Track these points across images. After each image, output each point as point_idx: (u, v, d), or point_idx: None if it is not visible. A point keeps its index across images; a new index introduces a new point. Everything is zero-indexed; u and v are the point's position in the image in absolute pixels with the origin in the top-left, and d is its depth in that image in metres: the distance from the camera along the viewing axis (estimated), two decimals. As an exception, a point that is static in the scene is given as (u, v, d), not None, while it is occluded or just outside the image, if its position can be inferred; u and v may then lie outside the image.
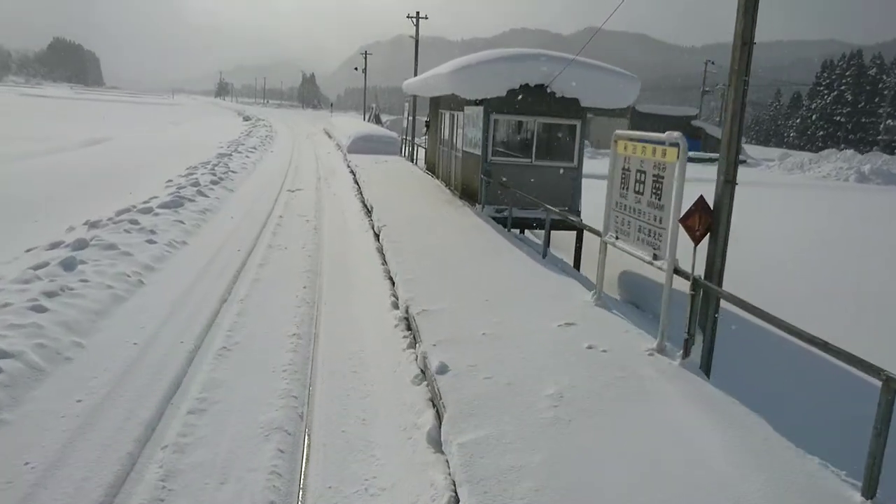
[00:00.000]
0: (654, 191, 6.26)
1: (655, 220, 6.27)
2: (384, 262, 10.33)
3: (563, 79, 12.94)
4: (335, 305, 8.67)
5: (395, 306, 8.08)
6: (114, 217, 12.04)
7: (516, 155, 14.22)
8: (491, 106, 13.72)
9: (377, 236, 12.12)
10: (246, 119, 68.40)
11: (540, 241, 13.71)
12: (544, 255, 10.09)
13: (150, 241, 10.83)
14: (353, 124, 47.88)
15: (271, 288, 9.24)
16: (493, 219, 13.50)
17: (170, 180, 18.25)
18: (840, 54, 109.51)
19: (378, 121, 64.37)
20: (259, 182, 20.99)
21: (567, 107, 13.74)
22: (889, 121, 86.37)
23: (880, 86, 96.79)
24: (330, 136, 48.08)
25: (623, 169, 6.94)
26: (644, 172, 6.44)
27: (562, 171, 14.15)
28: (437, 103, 20.71)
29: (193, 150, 28.30)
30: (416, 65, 30.41)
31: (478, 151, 14.38)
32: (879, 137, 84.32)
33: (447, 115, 18.57)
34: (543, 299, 7.86)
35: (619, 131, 7.10)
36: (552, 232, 14.68)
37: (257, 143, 34.76)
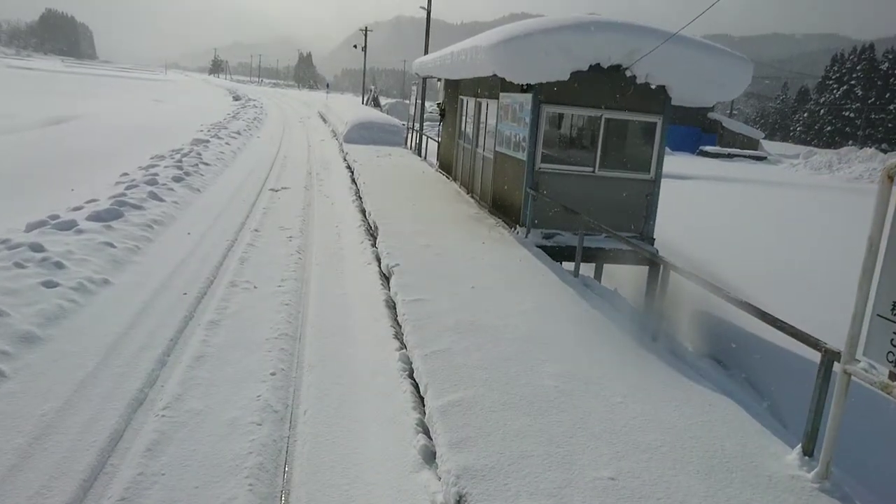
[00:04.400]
0: None
1: None
2: (398, 331, 6.73)
3: (648, 59, 9.28)
4: (319, 444, 5.01)
5: (430, 458, 4.44)
6: (10, 241, 8.36)
7: (574, 162, 10.58)
8: (544, 94, 10.03)
9: (386, 277, 8.48)
10: (236, 99, 64.23)
11: (598, 281, 10.21)
12: (654, 337, 6.49)
13: (49, 284, 7.19)
14: (350, 108, 43.93)
15: (217, 382, 5.59)
16: (542, 248, 9.89)
17: (125, 174, 14.57)
18: (840, 48, 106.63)
19: (377, 104, 60.58)
20: (236, 178, 17.24)
21: (648, 98, 10.08)
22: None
23: (892, 81, 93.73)
24: (325, 121, 44.15)
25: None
26: None
27: (634, 185, 10.53)
28: (455, 87, 16.98)
29: (168, 133, 24.51)
30: (426, 41, 26.54)
31: (520, 155, 10.72)
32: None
33: (471, 103, 14.84)
34: (705, 473, 4.29)
35: (903, 158, 3.53)
36: (607, 263, 11.30)
37: (243, 126, 30.87)
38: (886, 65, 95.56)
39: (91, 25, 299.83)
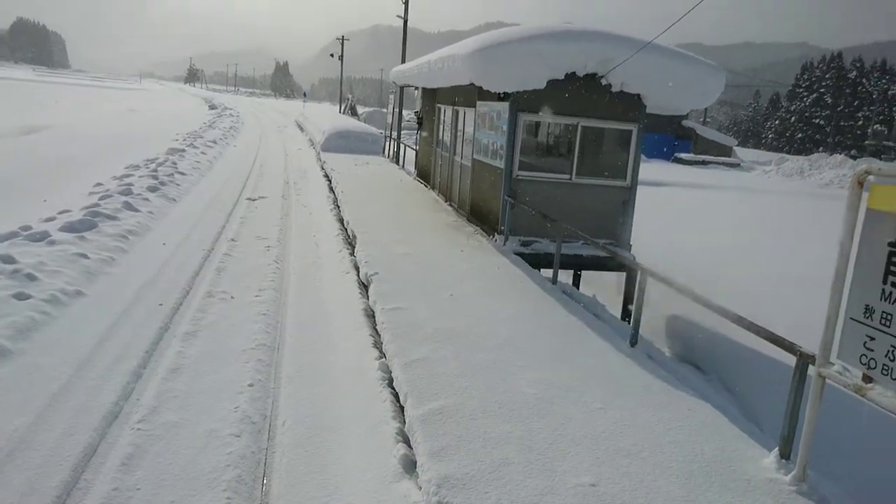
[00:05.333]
0: None
1: None
2: (377, 340, 6.69)
3: (622, 68, 9.38)
4: (299, 455, 4.95)
5: (410, 467, 4.41)
6: (-21, 251, 8.20)
7: (551, 169, 10.64)
8: (520, 102, 10.08)
9: (365, 286, 8.44)
10: (212, 108, 63.72)
11: (577, 286, 10.26)
12: (633, 343, 6.53)
13: (20, 297, 7.06)
14: (328, 117, 43.82)
15: (194, 394, 5.51)
16: (520, 256, 9.91)
17: (99, 184, 14.38)
18: (811, 57, 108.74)
19: (354, 112, 60.50)
20: (213, 187, 17.09)
21: (624, 106, 10.18)
22: (876, 125, 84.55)
23: (860, 89, 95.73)
24: (302, 129, 43.98)
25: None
26: None
27: (611, 192, 10.62)
28: (432, 96, 17.02)
29: (143, 142, 24.22)
30: (403, 50, 26.56)
31: (497, 163, 10.75)
32: (867, 142, 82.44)
33: (448, 112, 14.89)
34: (691, 475, 4.32)
35: (873, 165, 3.60)
36: (583, 269, 11.36)
37: (219, 135, 30.64)
38: (854, 73, 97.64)
39: (64, 34, 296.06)
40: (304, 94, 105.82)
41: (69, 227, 9.92)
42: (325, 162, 22.98)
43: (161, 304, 7.83)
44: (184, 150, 21.76)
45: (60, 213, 11.00)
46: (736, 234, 18.93)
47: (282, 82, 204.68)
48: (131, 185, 14.03)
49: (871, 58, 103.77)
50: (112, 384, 5.62)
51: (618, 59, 9.20)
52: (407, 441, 4.61)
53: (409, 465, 4.33)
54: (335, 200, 15.47)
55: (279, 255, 10.67)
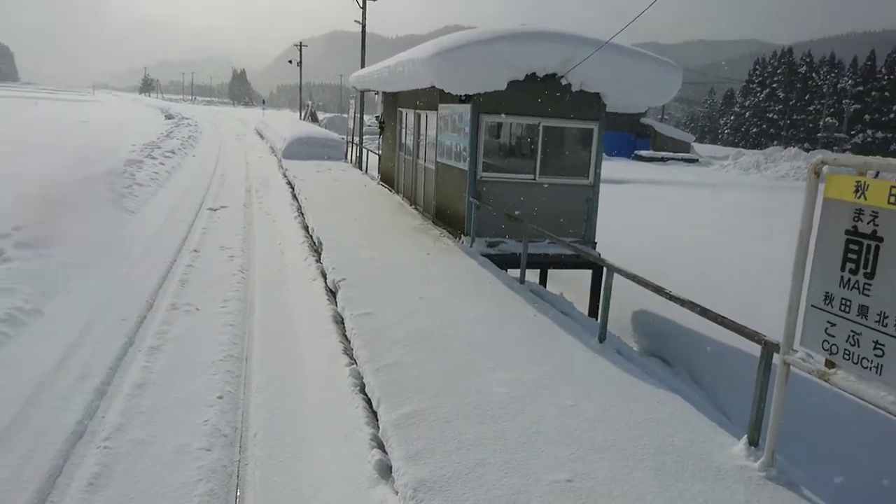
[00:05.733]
0: None
1: None
2: (347, 346, 6.64)
3: (582, 68, 9.47)
4: (272, 466, 4.88)
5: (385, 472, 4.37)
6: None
7: (515, 170, 10.69)
8: (482, 104, 10.11)
9: (332, 293, 8.38)
10: (169, 117, 62.64)
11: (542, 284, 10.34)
12: (602, 339, 6.58)
13: (-24, 316, 6.86)
14: (288, 124, 43.47)
15: (161, 409, 5.39)
16: (488, 257, 9.95)
17: (54, 198, 14.04)
18: (762, 53, 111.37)
19: (314, 119, 60.06)
20: (172, 198, 16.81)
21: (584, 105, 10.27)
22: (827, 118, 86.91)
23: (810, 83, 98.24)
24: (262, 137, 43.53)
25: (854, 233, 3.53)
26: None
27: (574, 190, 10.71)
28: (394, 100, 16.99)
29: (97, 155, 23.69)
30: (363, 55, 26.44)
31: (461, 165, 10.77)
32: (819, 135, 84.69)
33: (410, 115, 14.87)
34: (658, 468, 4.37)
35: (828, 156, 3.68)
36: (550, 267, 11.44)
37: (177, 145, 30.12)
38: (804, 68, 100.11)
39: (11, 46, 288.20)
40: (264, 102, 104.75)
41: (23, 244, 9.66)
42: (287, 169, 22.79)
43: (124, 319, 7.68)
44: (141, 162, 21.33)
45: (15, 228, 10.71)
46: (707, 228, 19.22)
47: (240, 90, 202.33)
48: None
49: (819, 52, 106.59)
50: (75, 403, 5.50)
51: (577, 59, 9.29)
52: (381, 446, 4.58)
53: (385, 470, 4.31)
54: (299, 208, 15.35)
55: (244, 265, 10.54)
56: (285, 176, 22.21)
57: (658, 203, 26.45)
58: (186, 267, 10.14)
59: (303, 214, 14.25)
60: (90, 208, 12.80)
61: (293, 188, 18.68)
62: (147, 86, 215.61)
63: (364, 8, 27.54)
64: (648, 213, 22.21)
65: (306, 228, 12.86)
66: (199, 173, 22.86)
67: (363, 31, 27.42)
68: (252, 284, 9.57)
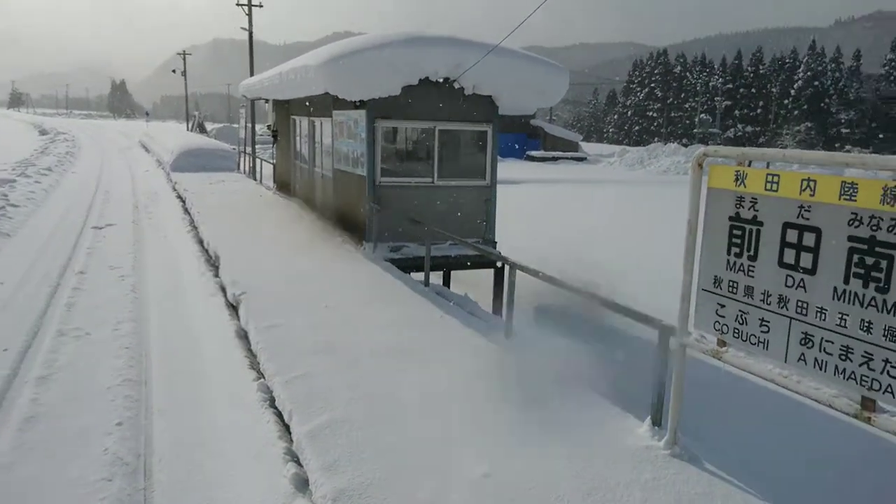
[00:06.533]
0: (861, 269, 3.14)
1: (864, 327, 3.15)
2: (254, 361, 6.46)
3: (474, 71, 9.65)
4: (180, 491, 4.67)
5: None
6: None
7: (413, 174, 10.75)
8: (377, 109, 10.11)
9: (234, 307, 8.12)
10: (43, 133, 58.80)
11: (451, 287, 10.44)
12: (508, 335, 6.73)
13: None
14: (175, 136, 41.76)
15: (55, 442, 5.05)
16: (391, 261, 9.95)
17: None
18: (640, 55, 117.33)
19: (203, 130, 58.15)
20: (52, 218, 15.79)
21: (478, 108, 10.47)
22: (702, 114, 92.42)
23: (685, 82, 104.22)
24: (148, 150, 41.62)
25: (736, 219, 3.78)
26: (819, 231, 3.32)
27: (472, 191, 10.88)
28: (286, 108, 16.69)
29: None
30: (251, 63, 25.79)
31: (360, 171, 10.72)
32: (695, 131, 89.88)
33: (304, 123, 14.65)
34: (568, 455, 4.52)
35: (710, 148, 3.93)
36: (452, 268, 11.56)
37: (54, 162, 28.36)
38: (679, 68, 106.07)
39: None
40: (147, 114, 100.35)
41: None
42: (176, 182, 21.90)
43: (5, 350, 7.14)
44: (14, 181, 19.94)
45: None
46: (605, 221, 19.96)
47: (120, 102, 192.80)
48: (-45, 222, 12.69)
49: (692, 53, 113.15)
50: (-45, 443, 5.05)
51: (468, 63, 9.47)
52: (297, 459, 4.49)
53: (302, 483, 4.22)
54: (192, 221, 14.78)
55: (136, 284, 10.04)
56: (175, 189, 21.34)
57: (555, 201, 27.29)
58: (73, 290, 9.55)
59: (196, 228, 13.74)
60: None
61: (184, 202, 17.97)
62: (16, 100, 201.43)
63: (250, 15, 26.88)
64: (547, 212, 22.87)
65: (201, 242, 12.40)
66: (80, 190, 21.59)
67: (250, 39, 26.77)
68: (147, 304, 9.12)
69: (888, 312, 3.05)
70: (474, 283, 11.86)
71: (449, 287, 10.66)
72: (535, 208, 24.10)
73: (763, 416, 7.11)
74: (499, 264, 9.96)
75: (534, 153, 63.37)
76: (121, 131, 74.30)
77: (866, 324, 3.15)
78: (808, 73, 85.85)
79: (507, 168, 43.93)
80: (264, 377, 5.87)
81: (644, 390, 5.22)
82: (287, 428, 4.93)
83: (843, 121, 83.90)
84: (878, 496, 5.71)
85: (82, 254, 12.02)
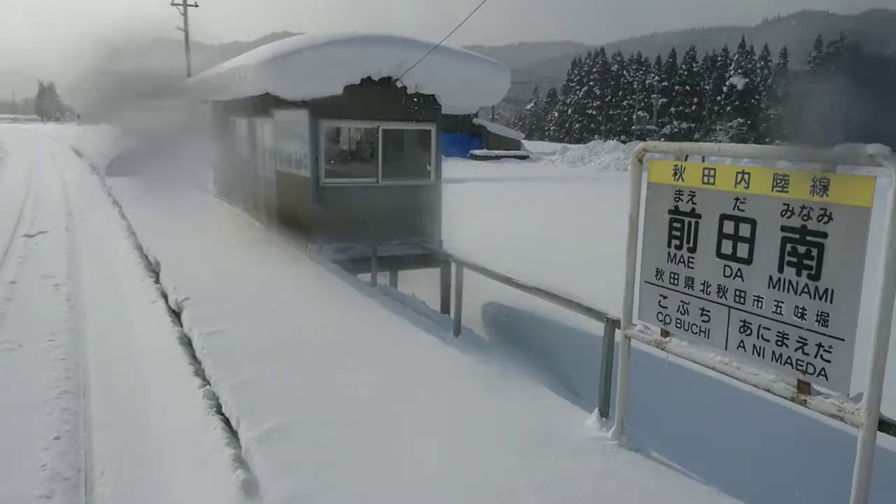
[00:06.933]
0: (794, 258, 3.27)
1: (798, 313, 3.28)
2: (198, 368, 6.32)
3: (417, 70, 9.66)
4: None
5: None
6: None
7: (358, 174, 10.68)
8: (320, 109, 10.01)
9: (176, 313, 7.93)
10: (-35, 138, 56.13)
11: (401, 287, 10.43)
12: (456, 333, 6.75)
13: None
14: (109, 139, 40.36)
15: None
16: (337, 263, 9.87)
17: None
18: (578, 54, 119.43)
19: (138, 133, 56.35)
20: (-22, 227, 15.10)
21: (421, 107, 10.47)
22: (639, 112, 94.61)
23: (622, 80, 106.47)
24: (80, 155, 40.23)
25: (676, 212, 3.89)
26: (754, 222, 3.44)
27: (417, 191, 10.88)
28: (224, 108, 16.35)
29: None
30: (188, 63, 25.21)
31: (303, 172, 10.60)
32: (633, 128, 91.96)
33: (244, 124, 14.39)
34: (514, 450, 4.57)
35: (649, 144, 4.03)
36: (401, 268, 11.56)
37: (-22, 169, 27.13)
38: (616, 66, 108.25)
39: None
40: (78, 117, 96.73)
41: None
42: (112, 187, 21.23)
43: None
44: (-64, 189, 18.97)
45: None
46: (549, 219, 20.21)
47: (49, 105, 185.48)
48: None
49: (628, 52, 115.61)
50: None
51: (410, 62, 9.46)
52: (246, 465, 4.41)
53: (252, 489, 4.15)
54: (129, 227, 14.35)
55: (72, 293, 9.70)
56: (111, 195, 20.68)
57: (500, 199, 27.52)
58: (3, 301, 9.16)
59: (135, 234, 13.35)
60: None
61: (121, 207, 17.43)
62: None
63: (185, 14, 26.28)
64: (494, 210, 23.04)
65: (140, 248, 12.06)
66: (7, 197, 20.70)
67: (186, 39, 26.15)
68: (83, 313, 8.82)
69: (820, 299, 3.18)
70: (422, 283, 11.87)
71: (397, 287, 10.63)
72: (480, 206, 24.25)
73: (706, 403, 7.33)
74: (446, 263, 9.99)
75: (477, 152, 63.71)
76: (50, 135, 71.58)
77: (800, 310, 3.28)
78: (739, 71, 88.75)
79: (451, 167, 43.97)
80: (210, 384, 5.75)
81: (592, 383, 5.32)
82: (235, 434, 4.84)
83: (772, 116, 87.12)
84: (812, 473, 5.96)
85: (13, 263, 11.54)
